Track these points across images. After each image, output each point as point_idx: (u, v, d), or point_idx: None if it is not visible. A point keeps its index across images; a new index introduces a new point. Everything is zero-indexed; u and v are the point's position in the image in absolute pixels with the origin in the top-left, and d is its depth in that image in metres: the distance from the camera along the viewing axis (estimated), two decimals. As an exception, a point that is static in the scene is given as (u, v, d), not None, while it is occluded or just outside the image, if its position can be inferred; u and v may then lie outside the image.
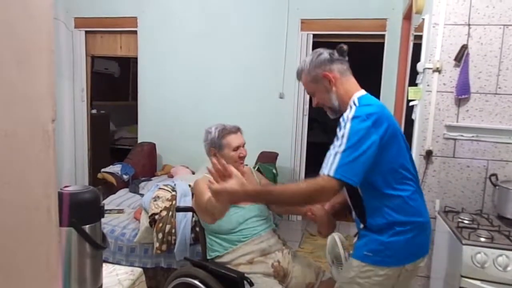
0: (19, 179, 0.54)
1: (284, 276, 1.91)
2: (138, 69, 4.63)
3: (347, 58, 1.58)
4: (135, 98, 4.84)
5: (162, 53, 4.51)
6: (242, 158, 1.99)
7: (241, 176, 1.45)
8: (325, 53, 1.55)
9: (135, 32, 4.54)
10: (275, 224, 2.19)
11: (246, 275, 1.79)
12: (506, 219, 1.95)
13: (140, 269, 1.40)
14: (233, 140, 1.96)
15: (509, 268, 1.62)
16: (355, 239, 1.64)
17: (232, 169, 1.45)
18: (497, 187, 2.04)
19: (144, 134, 4.67)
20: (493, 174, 2.08)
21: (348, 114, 1.41)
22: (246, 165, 2.14)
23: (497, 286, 1.63)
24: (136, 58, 4.66)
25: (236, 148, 1.96)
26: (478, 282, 1.65)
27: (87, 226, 1.18)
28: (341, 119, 1.43)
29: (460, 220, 1.93)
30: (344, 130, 1.38)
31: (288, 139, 4.29)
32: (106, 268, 1.39)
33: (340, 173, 1.32)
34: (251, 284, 1.74)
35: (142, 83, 4.64)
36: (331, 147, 1.39)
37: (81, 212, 1.17)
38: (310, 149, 4.40)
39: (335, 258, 1.89)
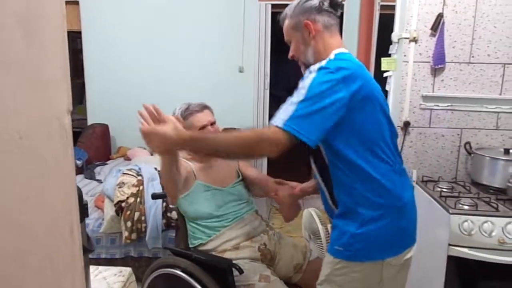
0: (39, 193, 0.40)
1: (271, 259, 1.84)
2: (83, 44, 4.24)
3: (339, 13, 1.37)
4: (78, 76, 4.45)
5: (109, 27, 4.16)
6: None
7: (177, 122, 1.31)
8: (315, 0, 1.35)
9: (77, 2, 4.13)
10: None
11: (233, 261, 1.70)
12: (481, 185, 2.01)
13: (129, 269, 1.27)
14: (197, 120, 1.80)
15: (494, 233, 1.67)
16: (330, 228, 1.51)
17: (169, 116, 1.32)
18: (472, 154, 2.09)
19: (94, 115, 4.33)
20: (467, 142, 2.13)
21: (316, 65, 1.22)
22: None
23: (483, 251, 1.68)
24: (78, 32, 4.25)
25: (203, 127, 1.81)
26: (465, 249, 1.69)
27: (71, 228, 1.02)
28: (306, 71, 1.24)
29: (440, 189, 1.96)
30: (306, 81, 1.18)
31: (250, 114, 4.19)
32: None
33: (290, 125, 1.13)
34: (240, 271, 1.65)
35: (89, 60, 4.26)
36: (288, 98, 1.20)
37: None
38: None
39: (312, 234, 1.84)
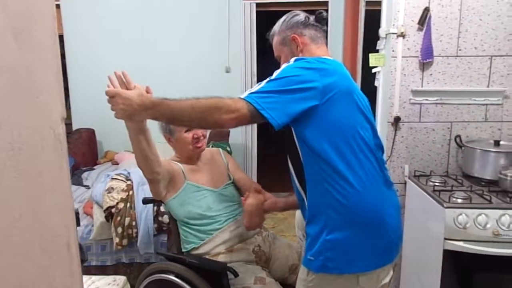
0: (33, 210, 0.37)
1: (266, 260, 1.82)
2: (65, 48, 4.15)
3: (325, 27, 1.44)
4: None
5: (91, 30, 4.08)
6: (197, 139, 1.81)
7: (143, 89, 1.35)
8: (301, 15, 1.41)
9: (58, 6, 4.04)
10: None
11: (227, 264, 1.67)
12: (473, 177, 2.02)
13: (123, 277, 1.23)
14: None
15: (488, 226, 1.67)
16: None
17: (138, 85, 1.36)
18: (463, 147, 2.09)
19: (79, 119, 4.25)
20: (457, 135, 2.14)
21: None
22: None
23: (478, 244, 1.68)
24: (59, 36, 4.16)
25: (188, 129, 1.79)
26: (461, 243, 1.69)
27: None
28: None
29: (433, 183, 1.96)
30: (281, 67, 1.21)
31: (238, 115, 4.15)
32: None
33: (253, 98, 1.12)
34: (235, 274, 1.62)
35: (72, 64, 4.18)
36: None
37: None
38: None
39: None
